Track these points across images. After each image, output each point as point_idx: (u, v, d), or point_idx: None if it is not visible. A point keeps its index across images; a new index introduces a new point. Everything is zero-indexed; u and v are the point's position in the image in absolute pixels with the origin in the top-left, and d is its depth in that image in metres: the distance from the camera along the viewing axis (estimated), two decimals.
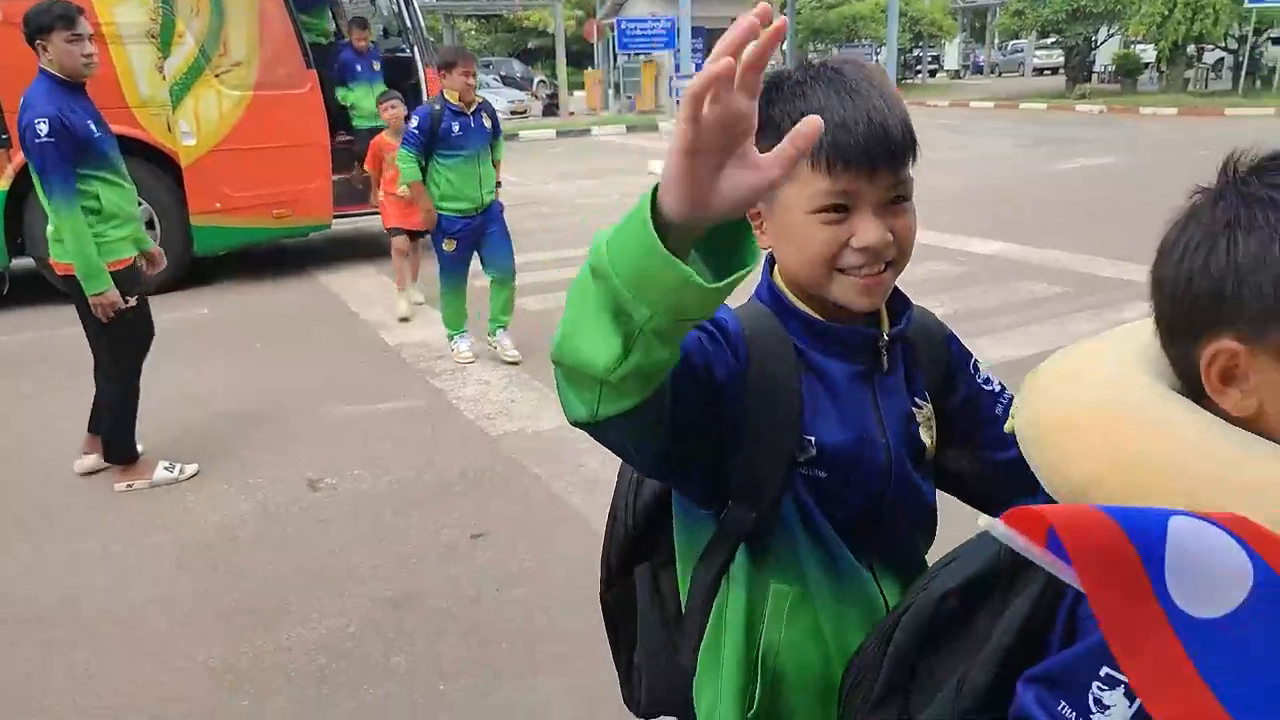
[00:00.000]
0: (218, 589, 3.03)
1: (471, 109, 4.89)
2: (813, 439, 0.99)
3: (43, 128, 3.37)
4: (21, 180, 6.40)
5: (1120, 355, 0.80)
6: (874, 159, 0.93)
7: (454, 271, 5.14)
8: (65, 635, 2.82)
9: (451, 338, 5.29)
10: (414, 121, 4.86)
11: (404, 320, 5.99)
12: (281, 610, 2.89)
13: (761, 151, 0.89)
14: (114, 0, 6.43)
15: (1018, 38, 38.07)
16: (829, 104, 0.94)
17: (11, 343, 5.91)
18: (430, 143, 4.85)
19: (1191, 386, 0.74)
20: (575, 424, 0.82)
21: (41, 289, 6.75)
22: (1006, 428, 0.85)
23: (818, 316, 1.02)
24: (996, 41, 44.48)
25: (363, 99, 8.04)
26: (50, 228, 3.54)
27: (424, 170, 4.91)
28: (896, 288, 1.03)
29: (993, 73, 43.32)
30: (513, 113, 24.17)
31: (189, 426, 4.36)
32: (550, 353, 0.77)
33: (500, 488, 3.66)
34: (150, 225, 6.87)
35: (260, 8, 6.86)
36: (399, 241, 6.15)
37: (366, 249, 8.45)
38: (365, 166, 6.15)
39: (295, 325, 6.10)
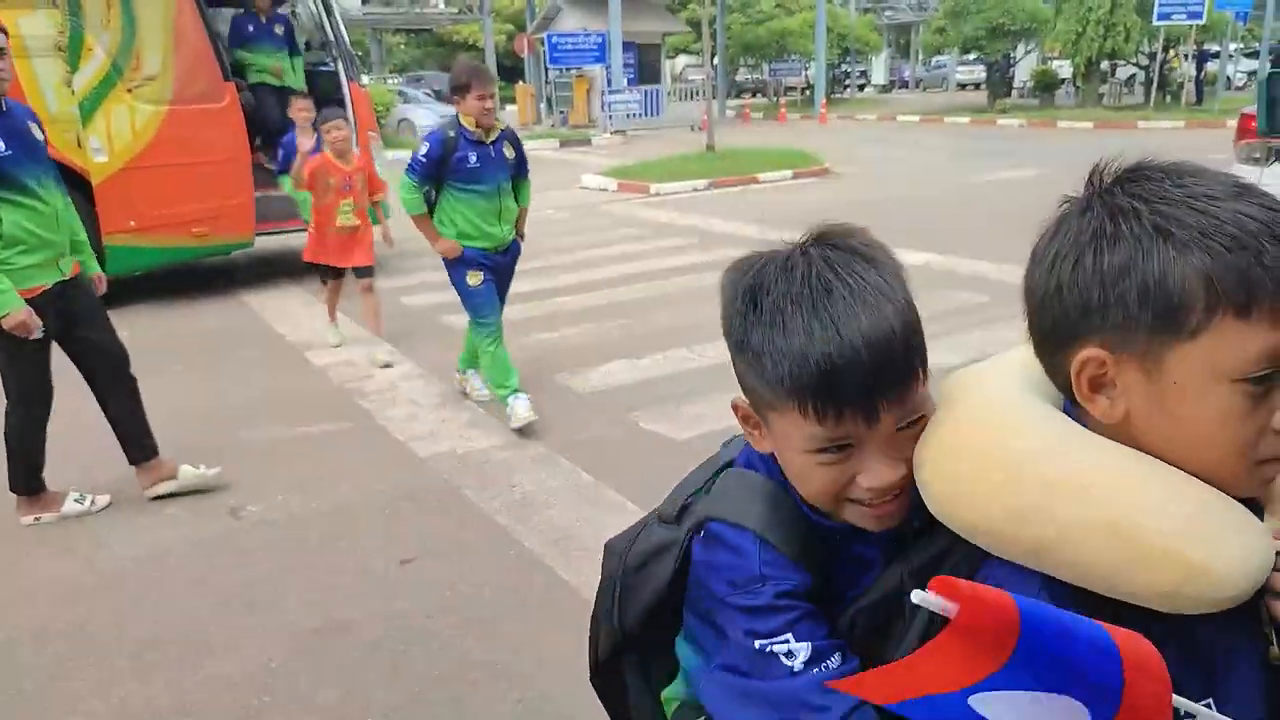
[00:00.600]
0: (133, 622, 2.89)
1: (491, 137, 4.22)
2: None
3: None
4: None
5: (998, 374, 0.82)
6: (871, 403, 0.79)
7: (486, 307, 4.30)
8: None
9: (505, 398, 4.29)
10: (423, 148, 4.16)
11: (336, 347, 5.77)
12: (202, 643, 2.76)
13: (738, 371, 0.87)
14: (17, 11, 6.17)
15: (941, 54, 39.18)
16: (813, 338, 0.79)
17: None
18: (440, 174, 4.18)
19: (1068, 395, 0.75)
20: None
21: None
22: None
23: (831, 523, 0.89)
24: (921, 57, 45.71)
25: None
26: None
27: (432, 205, 4.30)
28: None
29: (918, 87, 44.49)
30: None
31: (104, 453, 4.15)
32: None
33: (430, 510, 3.57)
34: None
35: (175, 20, 6.65)
36: (334, 282, 5.72)
37: (291, 267, 8.22)
38: (298, 188, 5.55)
39: (217, 347, 5.90)
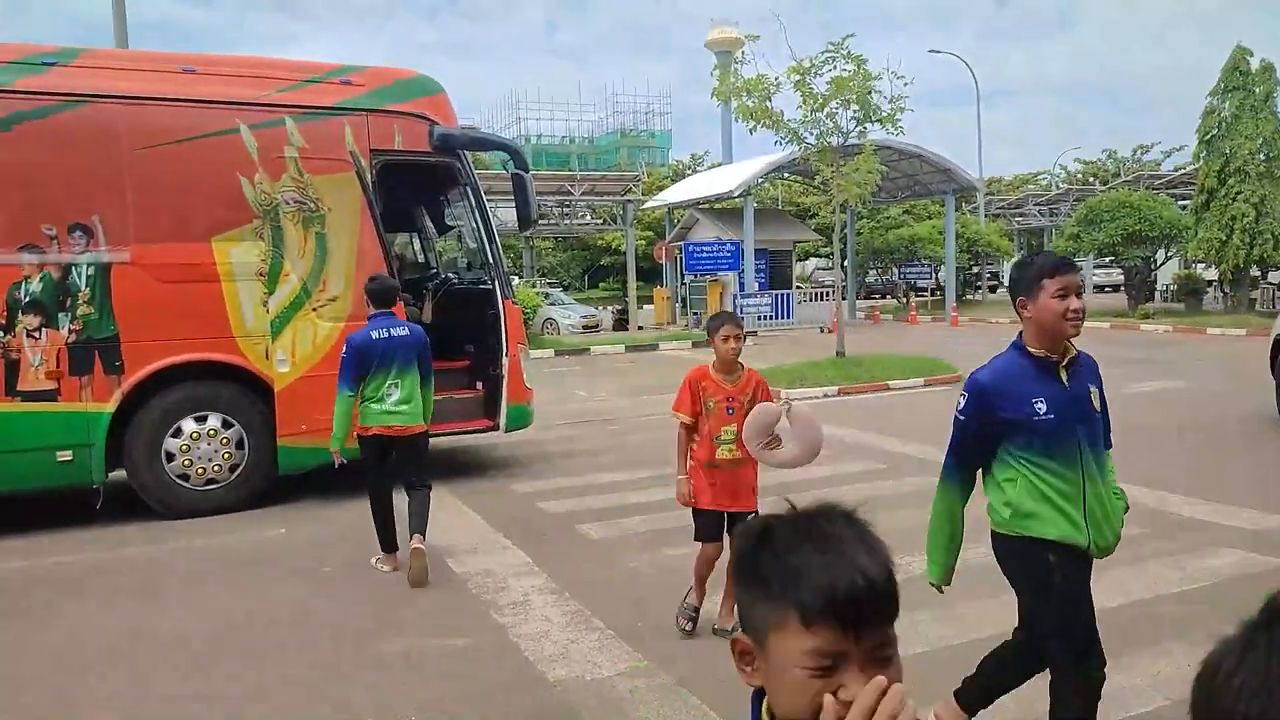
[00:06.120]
0: None
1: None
2: None
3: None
4: (126, 402, 6.90)
5: None
6: (863, 620, 0.95)
7: None
8: None
9: None
10: None
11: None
12: None
13: (742, 606, 1.06)
14: (230, 242, 7.16)
15: (1075, 257, 38.94)
16: (814, 563, 0.96)
17: (90, 561, 6.15)
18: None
19: None
20: None
21: (135, 505, 7.08)
22: None
23: None
24: None
25: None
26: (409, 405, 5.58)
27: None
28: None
29: None
30: (585, 327, 25.26)
31: (249, 656, 4.41)
32: None
33: None
34: (240, 445, 7.26)
35: (358, 248, 7.53)
36: (709, 549, 4.39)
37: (439, 472, 8.68)
38: (675, 409, 4.47)
39: (365, 548, 6.20)
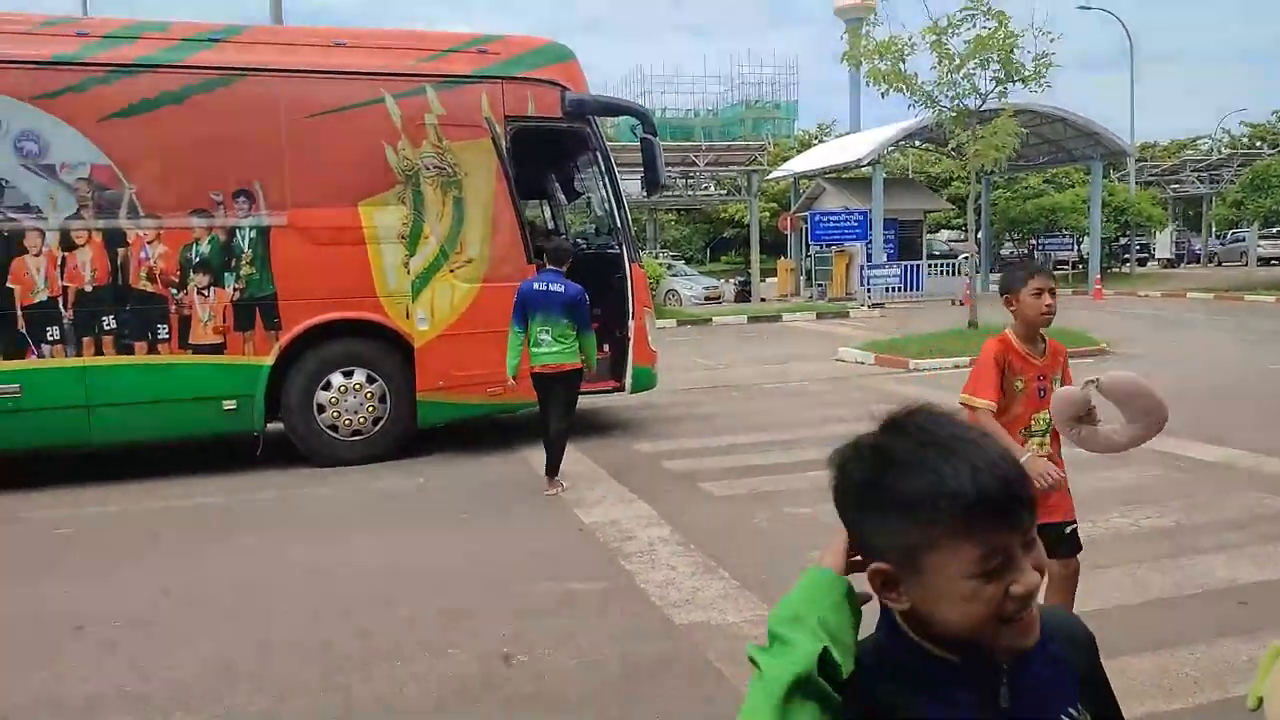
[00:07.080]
0: None
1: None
2: None
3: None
4: (282, 357, 7.40)
5: None
6: (1018, 512, 0.94)
7: None
8: None
9: None
10: None
11: None
12: None
13: (871, 534, 1.03)
14: (374, 207, 7.54)
15: (1238, 227, 36.09)
16: (950, 473, 0.92)
17: (256, 500, 6.67)
18: None
19: None
20: None
21: (287, 453, 7.62)
22: (1250, 704, 0.83)
23: (938, 653, 1.00)
24: (1214, 231, 42.32)
25: None
26: (558, 346, 6.35)
27: None
28: None
29: (1211, 262, 40.97)
30: (707, 298, 25.24)
31: (394, 594, 4.70)
32: None
33: (684, 681, 3.67)
34: (382, 399, 7.67)
35: (495, 213, 7.80)
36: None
37: None
38: (974, 393, 3.37)
39: (499, 498, 6.50)
